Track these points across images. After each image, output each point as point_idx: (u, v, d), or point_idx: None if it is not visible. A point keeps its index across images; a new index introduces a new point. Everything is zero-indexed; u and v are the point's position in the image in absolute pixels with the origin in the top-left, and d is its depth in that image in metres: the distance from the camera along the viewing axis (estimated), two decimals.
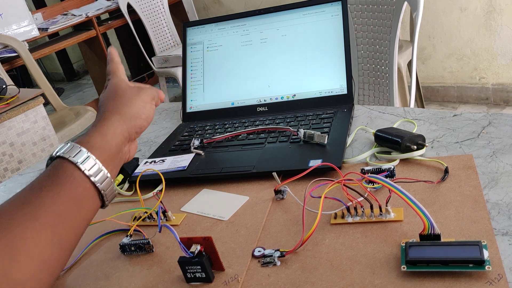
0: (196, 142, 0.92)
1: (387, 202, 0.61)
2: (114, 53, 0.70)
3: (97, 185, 0.52)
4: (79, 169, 0.51)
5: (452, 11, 2.57)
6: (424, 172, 0.70)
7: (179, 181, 0.83)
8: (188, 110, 1.06)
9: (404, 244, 0.54)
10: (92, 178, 0.52)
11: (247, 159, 0.83)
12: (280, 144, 0.86)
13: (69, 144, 0.54)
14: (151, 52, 3.09)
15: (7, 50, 2.64)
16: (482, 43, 2.56)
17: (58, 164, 0.52)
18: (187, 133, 1.00)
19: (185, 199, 0.78)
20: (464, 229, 0.56)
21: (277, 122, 0.94)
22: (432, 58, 2.76)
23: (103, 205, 0.55)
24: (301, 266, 0.57)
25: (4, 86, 1.71)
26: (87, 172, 0.52)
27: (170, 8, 3.29)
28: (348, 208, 0.63)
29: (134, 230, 0.70)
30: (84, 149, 0.53)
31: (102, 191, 0.53)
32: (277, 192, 0.72)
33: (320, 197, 0.60)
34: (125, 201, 0.83)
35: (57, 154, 0.53)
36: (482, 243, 0.51)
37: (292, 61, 1.00)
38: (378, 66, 1.44)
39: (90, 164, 0.52)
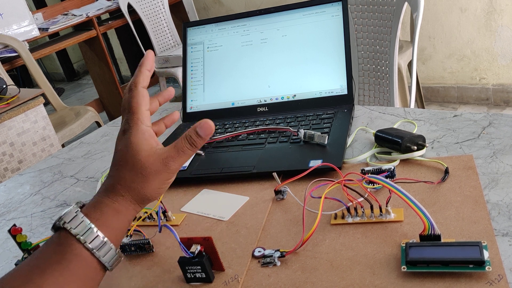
0: None
1: (387, 203, 0.61)
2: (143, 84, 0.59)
3: (105, 264, 0.50)
4: (88, 249, 0.49)
5: (452, 11, 2.57)
6: (424, 173, 0.70)
7: (179, 181, 0.82)
8: (188, 110, 1.06)
9: (404, 245, 0.54)
10: (101, 259, 0.50)
11: (247, 159, 0.83)
12: (280, 144, 0.86)
13: (77, 215, 0.50)
14: None
15: (7, 50, 2.65)
16: (482, 44, 2.56)
17: (65, 241, 0.49)
18: None
19: (185, 199, 0.78)
20: (465, 230, 0.56)
21: (277, 122, 0.94)
22: (433, 59, 2.76)
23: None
24: (301, 267, 0.57)
25: (4, 86, 1.71)
26: (96, 254, 0.49)
27: (170, 8, 3.29)
28: (348, 209, 0.63)
29: (134, 230, 0.70)
30: (94, 228, 0.50)
31: (110, 268, 0.51)
32: (277, 192, 0.72)
33: (320, 197, 0.60)
34: None
35: (64, 226, 0.49)
36: (482, 244, 0.51)
37: (293, 61, 1.00)
38: (379, 67, 1.44)
39: (100, 244, 0.50)
